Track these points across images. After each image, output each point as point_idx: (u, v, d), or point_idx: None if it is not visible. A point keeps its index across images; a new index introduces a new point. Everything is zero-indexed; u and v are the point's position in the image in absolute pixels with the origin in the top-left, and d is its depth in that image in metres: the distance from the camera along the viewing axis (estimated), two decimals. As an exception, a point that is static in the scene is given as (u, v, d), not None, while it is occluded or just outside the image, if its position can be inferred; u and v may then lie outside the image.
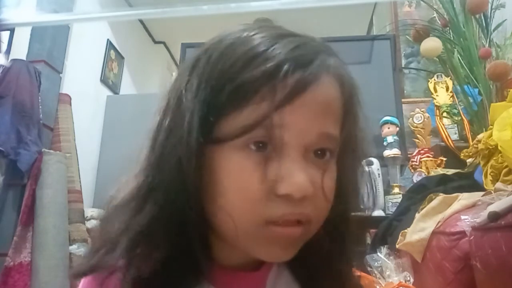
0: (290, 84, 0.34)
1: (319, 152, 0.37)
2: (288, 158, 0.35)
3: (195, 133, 0.34)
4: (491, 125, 1.00)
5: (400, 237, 0.96)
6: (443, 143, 1.64)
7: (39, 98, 2.03)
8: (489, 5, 1.62)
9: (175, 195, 0.35)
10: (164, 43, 4.01)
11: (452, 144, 1.59)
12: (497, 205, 0.64)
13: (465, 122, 1.59)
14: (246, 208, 0.35)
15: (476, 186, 1.02)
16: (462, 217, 0.77)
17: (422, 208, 0.96)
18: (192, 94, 0.36)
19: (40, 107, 2.02)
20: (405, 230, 0.95)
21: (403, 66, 2.22)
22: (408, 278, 0.90)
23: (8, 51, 2.20)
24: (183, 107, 0.36)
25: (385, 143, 1.66)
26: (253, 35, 0.37)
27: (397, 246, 0.96)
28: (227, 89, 0.34)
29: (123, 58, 3.22)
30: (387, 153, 1.63)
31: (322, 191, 0.36)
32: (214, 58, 0.36)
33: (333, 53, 0.41)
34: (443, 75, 1.76)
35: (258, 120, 0.34)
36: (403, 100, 1.92)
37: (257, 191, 0.34)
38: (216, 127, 0.35)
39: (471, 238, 0.69)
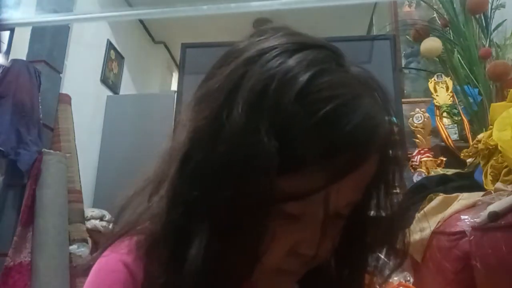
0: (346, 159, 0.31)
1: (339, 213, 0.36)
2: (309, 224, 0.34)
3: (269, 185, 0.30)
4: (491, 125, 1.00)
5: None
6: (443, 143, 1.64)
7: (39, 98, 2.03)
8: (489, 5, 1.62)
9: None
10: (164, 43, 4.01)
11: (452, 144, 1.59)
12: (497, 205, 0.64)
13: (465, 122, 1.59)
14: (266, 260, 0.35)
15: (476, 186, 1.02)
16: (462, 217, 0.77)
17: (422, 208, 0.96)
18: (268, 135, 0.31)
19: (40, 107, 2.02)
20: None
21: (403, 66, 2.22)
22: (408, 278, 0.90)
23: (8, 51, 2.20)
24: (258, 137, 0.30)
25: (385, 143, 1.66)
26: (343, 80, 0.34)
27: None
28: (298, 140, 0.31)
29: (123, 58, 3.22)
30: (387, 153, 1.63)
31: (326, 252, 0.37)
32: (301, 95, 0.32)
33: (389, 113, 0.38)
34: (443, 75, 1.76)
35: (313, 190, 0.32)
36: (403, 100, 1.92)
37: (276, 248, 0.35)
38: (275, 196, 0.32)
39: (471, 238, 0.69)
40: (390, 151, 0.37)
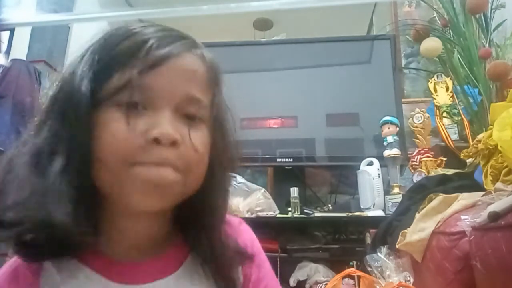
0: (154, 55, 0.42)
1: (189, 116, 0.44)
2: (158, 114, 0.41)
3: (83, 93, 0.41)
4: (491, 125, 1.00)
5: (400, 237, 0.96)
6: (443, 143, 1.64)
7: (39, 98, 2.03)
8: (489, 5, 1.62)
9: (66, 157, 0.40)
10: (164, 43, 4.01)
11: (452, 144, 1.59)
12: (497, 205, 0.64)
13: (465, 122, 1.59)
14: (115, 151, 0.40)
15: (476, 186, 1.02)
16: (462, 217, 0.77)
17: (422, 208, 0.96)
18: (82, 65, 0.43)
19: (40, 107, 2.03)
20: (405, 230, 0.95)
21: (403, 66, 2.22)
22: (408, 278, 0.90)
23: (8, 51, 2.20)
24: (75, 75, 0.43)
25: (385, 143, 1.66)
26: (135, 25, 0.46)
27: (397, 246, 0.95)
28: (105, 59, 0.42)
29: (123, 58, 3.22)
30: (387, 153, 1.63)
31: (190, 142, 0.42)
32: (103, 39, 0.45)
33: (197, 43, 0.48)
34: (443, 75, 1.76)
35: (123, 84, 0.41)
36: (403, 100, 1.92)
37: (125, 139, 0.40)
38: (98, 92, 0.41)
39: (471, 238, 0.69)
40: (211, 62, 0.48)
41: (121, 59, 0.42)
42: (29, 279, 0.42)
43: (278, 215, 1.55)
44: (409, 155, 1.69)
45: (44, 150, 0.41)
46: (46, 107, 0.44)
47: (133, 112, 0.41)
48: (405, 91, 2.16)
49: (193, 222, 0.47)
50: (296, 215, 1.55)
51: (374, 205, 1.54)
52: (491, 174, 0.97)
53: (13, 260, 0.43)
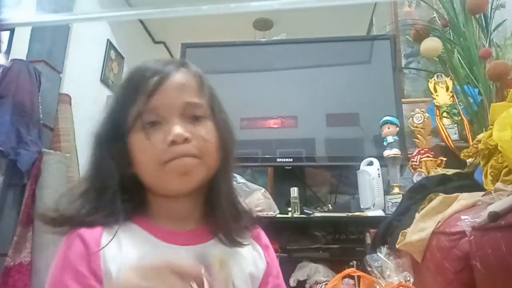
0: (152, 83, 0.57)
1: (192, 115, 0.58)
2: (169, 123, 0.56)
3: (120, 127, 0.58)
4: (491, 125, 1.00)
5: (400, 237, 0.96)
6: (443, 143, 1.64)
7: (39, 98, 2.03)
8: (489, 5, 1.62)
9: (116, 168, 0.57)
10: (164, 43, 4.01)
11: (452, 144, 1.59)
12: (497, 205, 0.64)
13: (465, 122, 1.59)
14: (148, 161, 0.56)
15: (476, 186, 1.02)
16: (462, 217, 0.77)
17: (422, 208, 0.96)
18: (114, 105, 0.61)
19: (40, 107, 2.02)
20: (405, 230, 0.95)
21: (403, 66, 2.22)
22: (408, 278, 0.90)
23: (8, 51, 2.20)
24: (114, 113, 0.60)
25: (385, 143, 1.66)
26: (137, 65, 0.63)
27: (397, 246, 0.95)
28: (124, 99, 0.59)
29: (123, 58, 3.22)
30: (387, 153, 1.63)
31: (198, 135, 0.56)
32: (123, 81, 0.62)
33: (184, 63, 0.64)
34: (443, 75, 1.76)
35: (140, 109, 0.56)
36: (403, 100, 1.92)
37: (150, 150, 0.55)
38: (127, 121, 0.57)
39: (471, 238, 0.69)
40: (195, 72, 0.63)
41: (131, 96, 0.57)
42: (95, 233, 0.54)
43: (278, 215, 1.55)
44: (409, 155, 1.69)
45: (102, 162, 0.59)
46: (98, 134, 0.62)
47: (154, 128, 0.56)
48: (405, 91, 2.16)
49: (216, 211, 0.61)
50: (296, 215, 1.55)
51: (374, 205, 1.54)
52: (491, 174, 0.97)
53: (72, 231, 0.55)
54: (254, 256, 0.63)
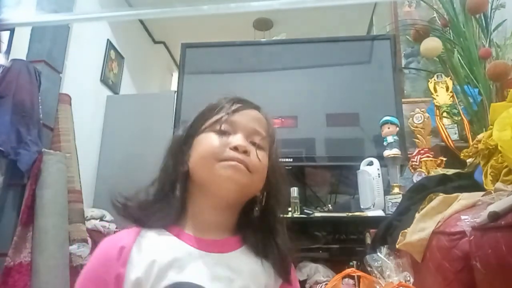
0: (236, 106, 0.68)
1: (255, 141, 0.67)
2: (236, 135, 0.65)
3: (187, 134, 0.69)
4: (491, 125, 1.00)
5: (400, 237, 0.96)
6: (443, 143, 1.64)
7: (39, 98, 2.03)
8: (489, 5, 1.62)
9: (173, 178, 0.66)
10: (164, 43, 4.01)
11: (452, 144, 1.59)
12: (497, 205, 0.64)
13: (465, 122, 1.59)
14: (209, 152, 0.63)
15: (476, 186, 1.02)
16: (462, 217, 0.77)
17: (422, 208, 0.96)
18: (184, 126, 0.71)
19: (40, 107, 2.02)
20: (405, 230, 0.95)
21: (403, 66, 2.22)
22: (408, 278, 0.90)
23: (8, 51, 2.20)
24: (178, 136, 0.70)
25: (385, 143, 1.66)
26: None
27: (397, 246, 0.95)
28: (207, 111, 0.70)
29: (123, 58, 3.22)
30: (387, 153, 1.63)
31: (255, 154, 0.65)
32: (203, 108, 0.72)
33: (258, 107, 0.73)
34: (443, 75, 1.76)
35: (217, 120, 0.66)
36: (403, 100, 1.92)
37: (214, 146, 0.64)
38: (203, 126, 0.68)
39: (471, 238, 0.69)
40: (271, 123, 0.73)
41: (214, 111, 0.68)
42: (129, 238, 0.61)
43: (278, 215, 1.55)
44: (409, 155, 1.69)
45: (167, 172, 0.67)
46: (172, 142, 0.70)
47: (223, 134, 0.65)
48: (405, 91, 2.16)
49: (251, 224, 0.68)
50: (296, 215, 1.55)
51: (374, 205, 1.54)
52: (491, 174, 0.97)
53: (111, 236, 0.64)
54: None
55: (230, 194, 0.63)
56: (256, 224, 0.68)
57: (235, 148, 0.63)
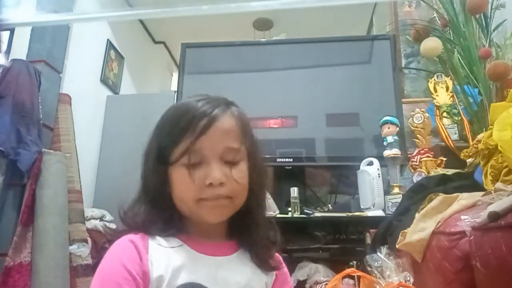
0: (201, 126, 0.63)
1: (230, 159, 0.64)
2: (209, 166, 0.63)
3: (158, 161, 0.65)
4: (491, 125, 1.00)
5: (400, 237, 0.96)
6: (443, 143, 1.64)
7: (39, 98, 2.03)
8: (489, 5, 1.62)
9: (159, 196, 0.66)
10: (164, 43, 4.01)
11: (452, 144, 1.59)
12: (497, 205, 0.64)
13: (465, 122, 1.59)
14: (187, 195, 0.63)
15: (476, 186, 1.02)
16: (462, 217, 0.77)
17: (422, 208, 0.96)
18: (155, 139, 0.68)
19: (40, 107, 2.02)
20: (405, 230, 0.95)
21: (403, 66, 2.22)
22: (408, 278, 0.90)
23: (8, 51, 2.20)
24: (152, 149, 0.68)
25: (385, 143, 1.66)
26: (184, 103, 0.69)
27: (397, 246, 0.95)
28: (171, 135, 0.64)
29: (123, 58, 3.22)
30: (387, 153, 1.63)
31: (233, 179, 0.63)
32: (165, 116, 0.70)
33: (230, 103, 0.69)
34: (443, 75, 1.76)
35: (183, 151, 0.63)
36: (403, 100, 1.92)
37: (190, 188, 0.62)
38: (170, 156, 0.64)
39: (471, 238, 0.69)
40: (241, 116, 0.69)
41: (179, 135, 0.63)
42: (142, 240, 0.62)
43: (278, 215, 1.55)
44: (409, 155, 1.69)
45: (149, 189, 0.67)
46: (143, 164, 0.69)
47: (194, 167, 0.63)
48: (405, 91, 2.16)
49: (243, 228, 0.69)
50: (296, 215, 1.55)
51: (374, 205, 1.54)
52: (491, 174, 0.97)
53: (125, 237, 0.63)
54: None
55: (216, 222, 0.65)
56: (244, 223, 0.69)
57: (210, 185, 0.61)
